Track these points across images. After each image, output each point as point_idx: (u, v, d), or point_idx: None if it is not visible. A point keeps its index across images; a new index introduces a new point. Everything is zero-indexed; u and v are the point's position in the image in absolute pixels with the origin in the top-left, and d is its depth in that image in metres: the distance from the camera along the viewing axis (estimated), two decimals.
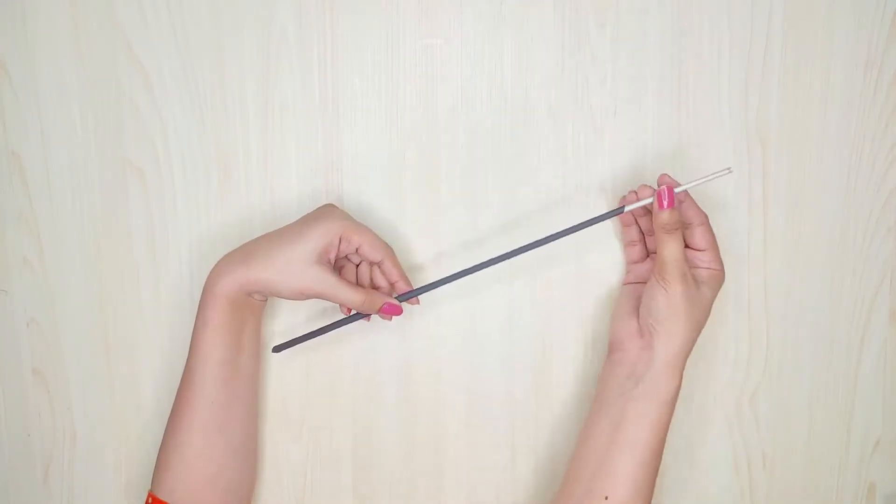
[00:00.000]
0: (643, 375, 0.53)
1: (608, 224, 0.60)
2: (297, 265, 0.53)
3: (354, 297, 0.54)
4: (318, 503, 0.63)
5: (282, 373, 0.62)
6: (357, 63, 0.60)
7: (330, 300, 0.54)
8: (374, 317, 0.58)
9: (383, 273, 0.57)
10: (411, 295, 0.56)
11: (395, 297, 0.57)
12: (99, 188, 0.61)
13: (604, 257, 0.61)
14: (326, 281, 0.53)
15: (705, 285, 0.54)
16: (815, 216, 0.61)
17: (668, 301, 0.53)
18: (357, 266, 0.58)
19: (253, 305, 0.56)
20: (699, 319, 0.54)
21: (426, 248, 0.61)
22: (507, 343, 0.62)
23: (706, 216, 0.55)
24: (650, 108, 0.60)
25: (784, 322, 0.62)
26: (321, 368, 0.62)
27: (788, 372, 0.62)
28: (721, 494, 0.63)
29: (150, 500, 0.55)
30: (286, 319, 0.62)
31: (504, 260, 0.55)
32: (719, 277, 0.55)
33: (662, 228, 0.53)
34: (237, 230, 0.61)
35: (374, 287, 0.57)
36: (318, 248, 0.53)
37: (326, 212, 0.56)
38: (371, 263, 0.57)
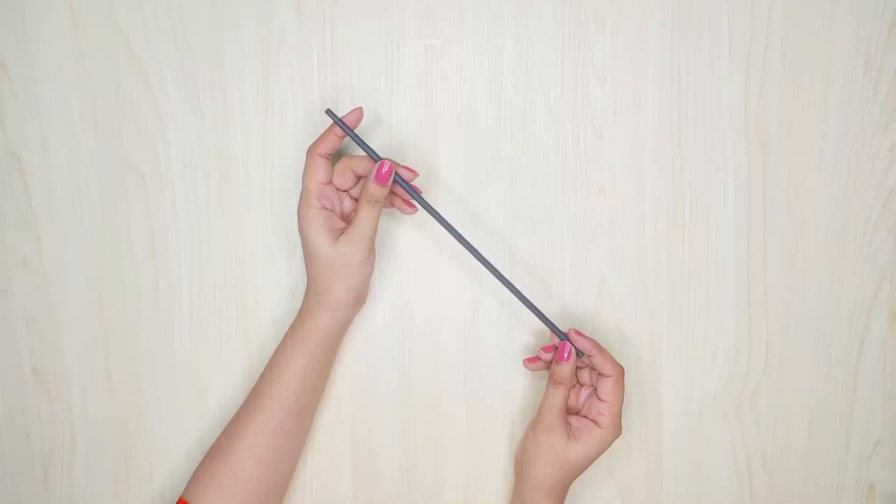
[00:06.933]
0: None
1: (612, 225, 0.60)
2: (334, 258, 0.54)
3: (364, 210, 0.53)
4: (318, 503, 0.63)
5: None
6: (357, 63, 0.60)
7: (372, 231, 0.54)
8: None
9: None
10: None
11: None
12: (99, 188, 0.61)
13: (602, 251, 0.61)
14: (351, 237, 0.53)
15: (578, 442, 0.55)
16: (815, 216, 0.61)
17: (528, 445, 0.58)
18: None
19: (339, 334, 0.57)
20: (556, 470, 0.56)
21: (426, 247, 0.61)
22: (507, 342, 0.62)
23: (622, 371, 0.56)
24: (650, 108, 0.60)
25: (784, 322, 0.62)
26: None
27: (788, 372, 0.62)
28: (721, 494, 0.63)
29: None
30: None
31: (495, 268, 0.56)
32: (603, 436, 0.56)
33: (551, 378, 0.56)
34: (237, 230, 0.61)
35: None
36: (323, 232, 0.54)
37: (299, 214, 0.55)
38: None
